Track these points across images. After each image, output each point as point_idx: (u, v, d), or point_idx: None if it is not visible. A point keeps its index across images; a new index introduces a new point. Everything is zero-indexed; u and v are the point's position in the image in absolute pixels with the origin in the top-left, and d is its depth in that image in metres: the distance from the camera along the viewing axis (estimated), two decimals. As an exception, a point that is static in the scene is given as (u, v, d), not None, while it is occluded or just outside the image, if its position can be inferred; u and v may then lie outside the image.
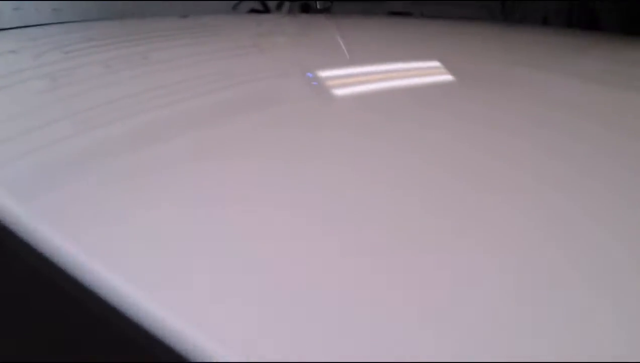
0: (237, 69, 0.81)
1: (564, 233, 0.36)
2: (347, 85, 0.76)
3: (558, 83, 0.72)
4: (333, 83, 0.76)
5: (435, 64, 0.80)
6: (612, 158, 0.48)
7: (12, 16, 1.81)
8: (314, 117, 0.60)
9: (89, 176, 0.45)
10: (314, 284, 0.30)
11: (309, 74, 0.78)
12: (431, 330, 0.28)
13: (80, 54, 0.93)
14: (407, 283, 0.31)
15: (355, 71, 0.82)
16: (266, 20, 1.58)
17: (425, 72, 0.79)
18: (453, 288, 0.31)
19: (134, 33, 1.18)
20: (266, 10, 2.48)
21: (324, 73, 0.77)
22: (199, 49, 0.99)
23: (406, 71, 0.81)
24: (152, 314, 0.28)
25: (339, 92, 0.72)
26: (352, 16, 1.84)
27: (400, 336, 0.27)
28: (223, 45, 1.05)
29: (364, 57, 0.89)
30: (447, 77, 0.75)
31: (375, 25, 1.34)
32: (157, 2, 2.15)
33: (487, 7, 3.39)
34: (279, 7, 2.49)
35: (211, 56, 0.92)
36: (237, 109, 0.61)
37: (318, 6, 2.03)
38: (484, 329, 0.28)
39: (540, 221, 0.38)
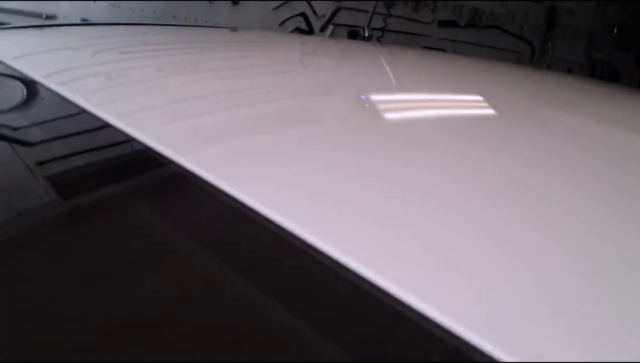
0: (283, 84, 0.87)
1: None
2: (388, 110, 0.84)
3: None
4: (377, 106, 0.84)
5: (474, 98, 0.89)
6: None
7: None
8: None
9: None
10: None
11: (363, 97, 0.86)
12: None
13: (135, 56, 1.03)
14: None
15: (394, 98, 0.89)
16: (311, 41, 1.65)
17: (464, 106, 0.88)
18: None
19: (188, 41, 1.27)
20: (310, 30, 2.61)
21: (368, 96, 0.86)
22: (246, 62, 1.08)
23: (444, 102, 0.89)
24: None
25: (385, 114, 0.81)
26: (393, 47, 1.95)
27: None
28: (270, 60, 1.12)
29: (403, 87, 0.98)
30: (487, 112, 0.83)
31: (417, 57, 1.43)
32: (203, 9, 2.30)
33: (517, 54, 3.53)
34: (322, 30, 2.63)
35: (259, 70, 1.01)
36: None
37: (366, 33, 2.15)
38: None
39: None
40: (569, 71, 3.66)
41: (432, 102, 0.84)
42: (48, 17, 1.93)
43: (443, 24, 3.05)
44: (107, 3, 2.04)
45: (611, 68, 3.80)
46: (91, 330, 0.39)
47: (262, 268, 0.44)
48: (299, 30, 2.63)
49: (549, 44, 3.58)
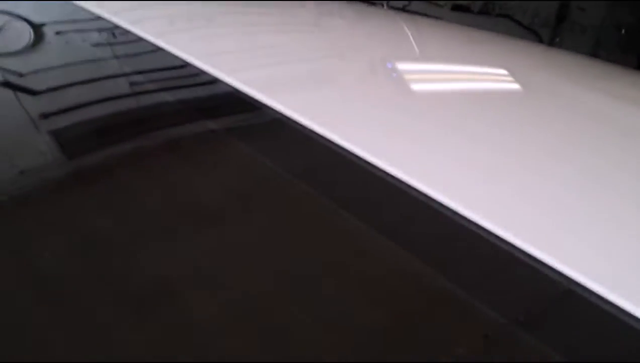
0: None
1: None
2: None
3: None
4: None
5: (493, 70, 0.93)
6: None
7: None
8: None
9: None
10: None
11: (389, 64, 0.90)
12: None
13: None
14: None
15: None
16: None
17: (482, 78, 0.92)
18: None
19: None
20: None
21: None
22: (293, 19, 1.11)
23: (465, 74, 0.93)
24: None
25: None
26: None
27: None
28: (285, 19, 1.14)
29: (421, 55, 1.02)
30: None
31: (430, 25, 1.46)
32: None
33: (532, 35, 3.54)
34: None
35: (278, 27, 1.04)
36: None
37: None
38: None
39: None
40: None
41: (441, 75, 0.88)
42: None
43: (456, 8, 3.07)
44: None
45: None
46: (92, 302, 0.35)
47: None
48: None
49: (557, 39, 3.62)
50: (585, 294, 0.33)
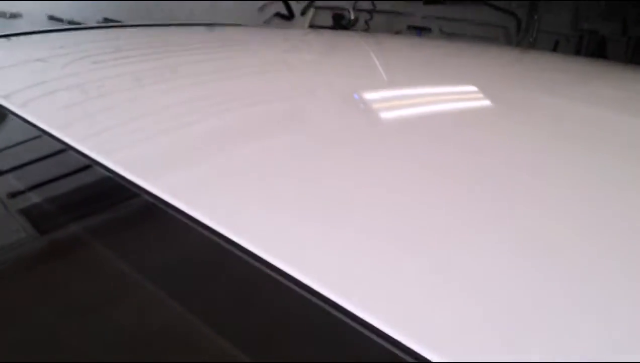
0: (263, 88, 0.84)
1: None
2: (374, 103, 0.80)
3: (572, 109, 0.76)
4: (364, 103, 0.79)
5: (459, 89, 0.85)
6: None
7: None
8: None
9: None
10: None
11: (356, 95, 0.81)
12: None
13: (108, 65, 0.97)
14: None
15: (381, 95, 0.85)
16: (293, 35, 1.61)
17: (452, 98, 0.83)
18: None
19: (162, 44, 1.21)
20: (290, 14, 2.52)
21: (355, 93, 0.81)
22: (226, 64, 1.02)
23: (432, 96, 0.85)
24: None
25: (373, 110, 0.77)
26: (374, 35, 1.89)
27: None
28: (251, 61, 1.07)
29: (390, 80, 0.93)
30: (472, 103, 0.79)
31: (397, 45, 1.38)
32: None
33: (503, 28, 3.46)
34: (303, 13, 2.54)
35: (239, 72, 0.95)
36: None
37: (352, 16, 2.05)
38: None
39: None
40: (556, 43, 3.61)
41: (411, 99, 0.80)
42: (12, 16, 1.83)
43: (428, 1, 2.96)
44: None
45: (598, 38, 3.76)
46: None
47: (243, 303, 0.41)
48: (279, 15, 2.54)
49: (535, 17, 3.52)
50: None
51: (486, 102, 0.79)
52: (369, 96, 0.82)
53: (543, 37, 3.47)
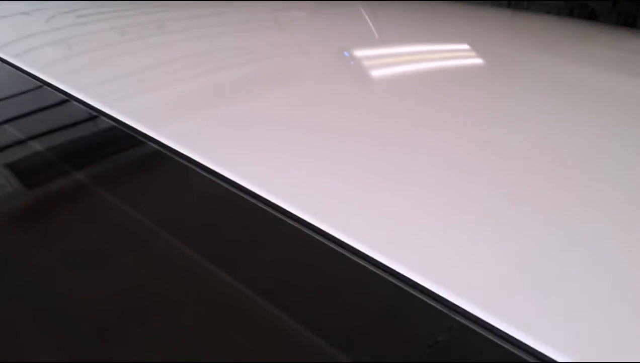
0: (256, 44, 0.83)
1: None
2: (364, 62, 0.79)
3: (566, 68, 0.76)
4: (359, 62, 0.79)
5: (454, 47, 0.83)
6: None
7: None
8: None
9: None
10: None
11: (346, 53, 0.81)
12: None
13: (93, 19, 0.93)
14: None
15: (373, 53, 0.84)
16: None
17: (445, 56, 0.82)
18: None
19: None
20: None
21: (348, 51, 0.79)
22: (216, 20, 0.99)
23: (426, 54, 0.84)
24: None
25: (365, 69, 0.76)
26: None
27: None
28: (241, 17, 1.04)
29: (384, 38, 0.92)
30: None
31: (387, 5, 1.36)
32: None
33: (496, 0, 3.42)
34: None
35: (229, 28, 0.93)
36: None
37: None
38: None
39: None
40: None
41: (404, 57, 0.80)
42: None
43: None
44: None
45: (588, 10, 3.73)
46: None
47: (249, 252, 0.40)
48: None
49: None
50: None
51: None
52: (360, 53, 0.80)
53: (534, 9, 3.44)
